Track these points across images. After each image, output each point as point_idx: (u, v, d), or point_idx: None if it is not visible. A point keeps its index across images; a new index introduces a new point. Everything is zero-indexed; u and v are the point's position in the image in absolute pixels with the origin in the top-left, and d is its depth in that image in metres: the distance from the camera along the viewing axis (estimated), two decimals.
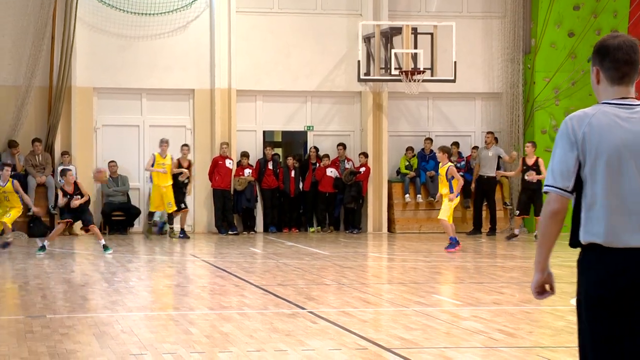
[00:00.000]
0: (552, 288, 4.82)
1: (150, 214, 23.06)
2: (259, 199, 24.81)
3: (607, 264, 4.60)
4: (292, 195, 24.85)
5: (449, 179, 18.98)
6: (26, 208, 22.35)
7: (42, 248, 18.62)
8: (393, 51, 23.87)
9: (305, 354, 8.83)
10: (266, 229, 24.81)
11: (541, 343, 9.65)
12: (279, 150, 26.51)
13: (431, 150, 24.98)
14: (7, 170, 19.66)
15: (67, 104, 23.68)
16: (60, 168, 22.28)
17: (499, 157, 24.16)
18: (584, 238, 4.67)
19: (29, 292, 13.21)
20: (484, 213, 24.33)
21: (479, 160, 24.35)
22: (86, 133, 23.99)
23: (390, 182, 25.33)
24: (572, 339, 9.43)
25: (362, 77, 24.18)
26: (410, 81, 23.44)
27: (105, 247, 18.82)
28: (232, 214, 24.31)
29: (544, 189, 4.73)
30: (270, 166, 24.70)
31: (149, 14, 24.18)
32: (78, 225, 20.62)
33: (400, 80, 23.74)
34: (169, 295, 13.94)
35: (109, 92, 24.28)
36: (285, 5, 24.95)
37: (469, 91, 25.85)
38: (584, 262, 4.69)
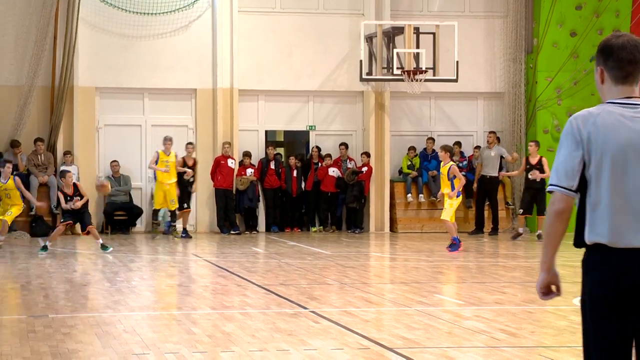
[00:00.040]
0: (558, 289, 4.80)
1: (155, 212, 23.04)
2: (261, 198, 24.82)
3: (611, 264, 4.60)
4: (294, 195, 24.85)
5: (451, 179, 18.96)
6: (28, 207, 22.43)
7: (44, 248, 18.62)
8: (395, 51, 23.86)
9: (308, 354, 8.83)
10: (268, 229, 24.82)
11: (543, 343, 9.65)
12: (281, 150, 26.51)
13: (433, 150, 24.98)
14: (9, 168, 19.67)
15: (69, 103, 23.69)
16: (61, 168, 22.29)
17: (502, 157, 24.16)
18: (588, 238, 4.66)
19: (31, 292, 13.21)
20: (486, 213, 24.33)
21: (481, 160, 24.34)
22: (88, 133, 24.01)
23: (392, 181, 25.32)
24: (575, 339, 9.43)
25: (364, 76, 24.18)
26: (412, 81, 23.43)
27: (103, 246, 18.82)
28: (234, 213, 24.31)
29: (549, 188, 4.72)
30: (272, 166, 24.69)
31: (151, 14, 24.19)
32: (78, 225, 20.61)
33: (402, 80, 23.73)
34: (171, 294, 13.94)
35: (111, 92, 24.29)
36: (287, 4, 24.96)
37: (471, 91, 25.84)
38: (588, 262, 4.69)
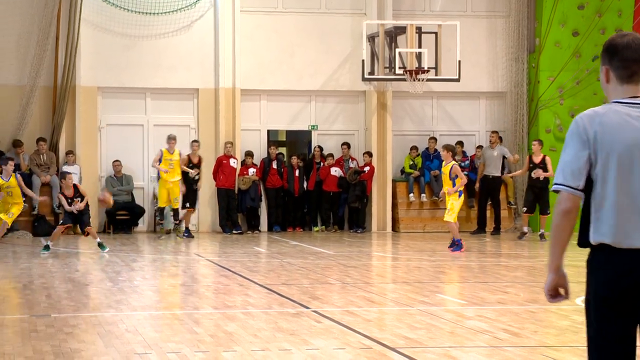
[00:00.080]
0: (566, 292, 4.75)
1: (161, 211, 22.98)
2: (263, 198, 24.82)
3: (616, 265, 4.59)
4: (296, 195, 24.85)
5: (453, 178, 18.95)
6: (30, 206, 22.45)
7: (46, 247, 18.63)
8: (397, 50, 23.85)
9: (310, 353, 8.82)
10: (270, 228, 24.82)
11: (546, 342, 9.64)
12: (283, 150, 26.51)
13: (435, 150, 24.98)
14: (11, 165, 19.68)
15: (71, 103, 23.70)
16: (62, 170, 22.30)
17: (504, 157, 24.15)
18: (593, 238, 4.65)
19: (34, 291, 13.22)
20: (488, 212, 24.32)
21: (483, 159, 24.33)
22: (90, 132, 24.01)
23: (394, 181, 25.32)
24: (577, 338, 9.43)
25: (366, 76, 24.17)
26: (414, 80, 23.43)
27: (101, 246, 18.81)
28: (236, 213, 24.32)
29: (554, 187, 4.70)
30: (274, 165, 24.70)
31: (154, 14, 24.19)
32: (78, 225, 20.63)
33: (404, 80, 23.73)
34: (174, 294, 13.94)
35: (114, 92, 24.30)
36: (289, 4, 24.95)
37: (473, 90, 25.83)
38: (593, 262, 4.68)
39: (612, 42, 4.76)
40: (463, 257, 18.42)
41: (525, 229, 22.58)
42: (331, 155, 24.95)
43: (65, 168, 22.93)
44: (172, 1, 24.23)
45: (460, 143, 25.08)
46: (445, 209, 19.44)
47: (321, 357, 8.70)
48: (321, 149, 25.20)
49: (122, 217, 24.04)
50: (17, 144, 23.31)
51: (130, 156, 24.30)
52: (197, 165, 22.97)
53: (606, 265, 4.61)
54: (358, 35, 24.57)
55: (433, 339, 9.63)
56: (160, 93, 24.50)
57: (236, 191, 24.27)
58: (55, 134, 23.70)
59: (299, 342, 9.34)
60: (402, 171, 25.54)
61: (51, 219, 23.11)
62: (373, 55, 24.44)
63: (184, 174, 22.57)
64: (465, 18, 25.30)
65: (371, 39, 24.39)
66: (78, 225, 20.42)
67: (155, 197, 23.87)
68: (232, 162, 24.04)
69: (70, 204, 18.88)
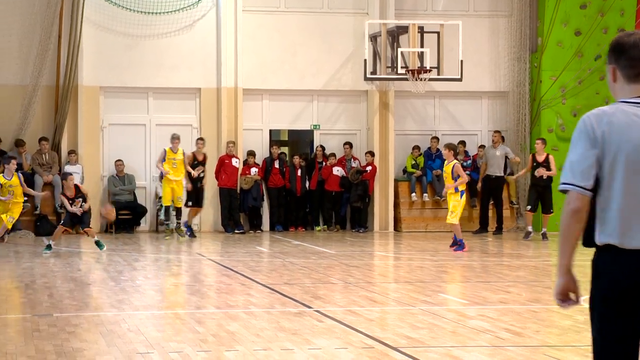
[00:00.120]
0: (577, 296, 4.67)
1: (167, 210, 22.93)
2: (265, 197, 24.82)
3: (621, 265, 4.57)
4: (298, 194, 24.85)
5: (455, 177, 18.95)
6: (32, 206, 22.46)
7: (49, 247, 18.63)
8: (399, 50, 23.85)
9: (312, 353, 8.82)
10: (272, 228, 24.82)
11: (548, 342, 9.64)
12: (285, 149, 26.51)
13: (437, 149, 24.97)
14: (13, 164, 19.69)
15: (73, 102, 23.71)
16: (63, 170, 22.30)
17: (506, 157, 24.15)
18: (599, 239, 4.63)
19: (36, 291, 13.22)
20: (490, 212, 24.31)
21: (486, 159, 24.32)
22: (93, 132, 24.02)
23: (396, 180, 25.31)
24: (579, 338, 9.43)
25: (368, 75, 24.17)
26: (416, 80, 23.43)
27: (98, 244, 18.81)
28: (238, 212, 24.32)
29: (562, 187, 4.63)
30: (276, 165, 24.70)
31: (156, 13, 24.19)
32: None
33: (406, 79, 23.72)
34: (176, 294, 13.94)
35: (116, 91, 24.31)
36: (291, 4, 24.95)
37: (475, 90, 25.82)
38: (599, 262, 4.65)
39: (619, 41, 4.75)
40: (465, 257, 18.42)
41: (530, 229, 22.56)
42: (333, 154, 24.95)
43: (68, 168, 22.95)
44: (175, 1, 24.22)
45: (463, 143, 25.08)
46: (447, 209, 19.43)
47: (323, 357, 8.70)
48: (323, 148, 25.19)
49: (125, 217, 24.03)
50: (19, 143, 23.32)
51: (132, 156, 24.31)
52: (203, 163, 22.95)
53: (612, 266, 4.58)
54: (360, 35, 24.56)
55: (435, 338, 9.63)
56: (163, 92, 24.51)
57: (238, 191, 24.26)
58: (57, 134, 23.71)
59: (301, 342, 9.35)
60: (404, 171, 25.53)
61: (53, 219, 23.12)
62: (375, 54, 24.44)
63: (189, 173, 22.57)
64: (467, 17, 25.29)
65: (373, 38, 24.38)
66: (79, 225, 20.38)
67: (157, 196, 23.89)
68: (234, 161, 24.05)
69: (71, 205, 18.88)
